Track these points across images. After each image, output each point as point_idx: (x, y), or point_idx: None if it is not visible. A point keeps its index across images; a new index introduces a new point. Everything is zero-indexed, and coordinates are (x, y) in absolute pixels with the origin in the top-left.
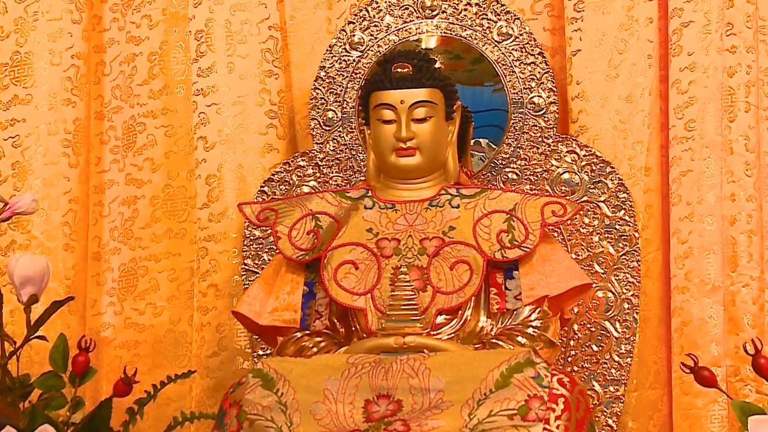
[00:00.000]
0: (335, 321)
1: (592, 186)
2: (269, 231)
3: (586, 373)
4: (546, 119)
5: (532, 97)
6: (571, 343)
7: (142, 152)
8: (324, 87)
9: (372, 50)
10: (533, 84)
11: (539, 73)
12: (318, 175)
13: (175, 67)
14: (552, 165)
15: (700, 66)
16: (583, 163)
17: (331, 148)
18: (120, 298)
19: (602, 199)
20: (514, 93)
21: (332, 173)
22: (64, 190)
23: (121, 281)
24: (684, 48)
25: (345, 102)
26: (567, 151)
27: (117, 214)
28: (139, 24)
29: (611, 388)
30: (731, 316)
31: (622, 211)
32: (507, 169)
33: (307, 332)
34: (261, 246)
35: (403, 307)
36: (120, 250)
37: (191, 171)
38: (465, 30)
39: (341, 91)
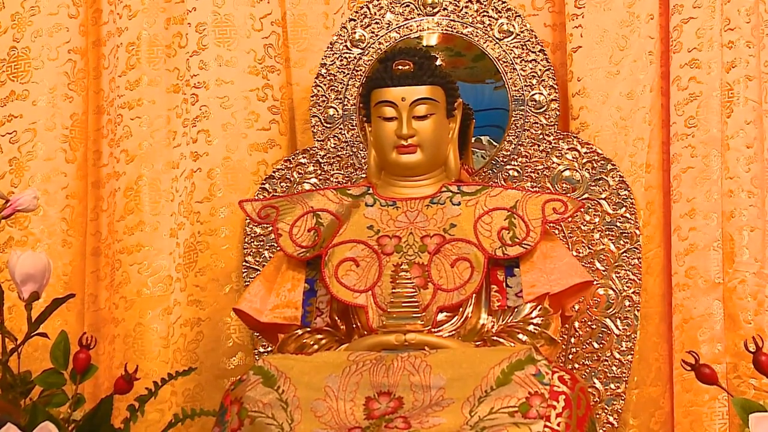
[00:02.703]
0: (336, 318)
1: (593, 183)
2: (270, 228)
3: (587, 371)
4: (547, 116)
5: (533, 95)
6: (572, 340)
7: (119, 144)
8: (325, 84)
9: (373, 47)
10: (534, 81)
11: (540, 70)
12: (319, 172)
13: (152, 58)
14: (553, 162)
15: (700, 62)
16: (584, 160)
17: (332, 146)
18: (114, 293)
19: (603, 196)
20: (515, 90)
21: (333, 170)
22: (62, 186)
23: (113, 275)
24: (684, 44)
25: (346, 99)
26: (568, 149)
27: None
28: (121, 14)
29: (612, 386)
30: (729, 312)
31: (623, 209)
32: (508, 167)
33: (308, 329)
34: (262, 243)
35: (404, 305)
36: (114, 244)
37: (166, 163)
38: (466, 27)
39: (342, 88)
